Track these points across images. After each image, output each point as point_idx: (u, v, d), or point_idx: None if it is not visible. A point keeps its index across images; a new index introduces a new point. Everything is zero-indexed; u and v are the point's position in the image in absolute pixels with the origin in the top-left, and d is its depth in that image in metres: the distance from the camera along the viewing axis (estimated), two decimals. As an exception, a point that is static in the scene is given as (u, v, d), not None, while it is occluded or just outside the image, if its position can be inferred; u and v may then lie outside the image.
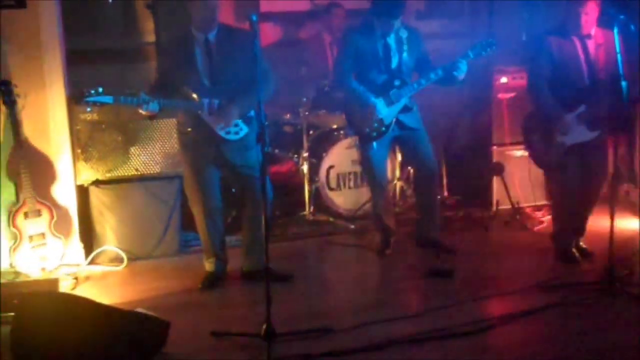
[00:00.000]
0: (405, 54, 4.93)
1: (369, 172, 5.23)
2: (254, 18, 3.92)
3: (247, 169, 4.60)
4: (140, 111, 4.34)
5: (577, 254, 4.99)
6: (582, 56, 4.75)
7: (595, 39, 4.76)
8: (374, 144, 5.01)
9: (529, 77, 4.97)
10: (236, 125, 4.52)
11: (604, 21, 4.66)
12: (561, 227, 5.07)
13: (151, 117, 4.50)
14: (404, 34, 4.93)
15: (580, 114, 4.72)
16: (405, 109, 4.96)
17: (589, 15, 4.68)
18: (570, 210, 4.98)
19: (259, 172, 4.16)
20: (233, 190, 5.31)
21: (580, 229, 5.07)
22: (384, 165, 5.33)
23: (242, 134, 4.55)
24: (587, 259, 4.99)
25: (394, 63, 4.93)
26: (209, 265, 4.82)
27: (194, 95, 4.43)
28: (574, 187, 4.90)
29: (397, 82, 4.91)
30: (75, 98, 4.28)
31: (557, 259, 5.02)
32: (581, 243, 5.10)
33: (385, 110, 4.90)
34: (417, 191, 5.42)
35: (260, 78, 3.91)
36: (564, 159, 4.82)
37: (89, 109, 4.24)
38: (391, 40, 4.90)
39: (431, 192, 5.28)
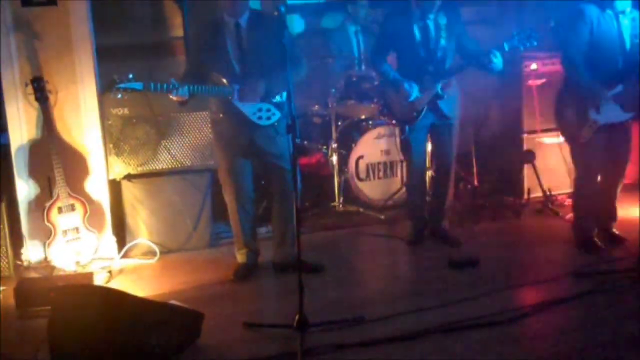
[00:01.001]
0: (443, 40, 4.89)
1: (408, 155, 5.26)
2: (282, 9, 3.94)
3: (277, 159, 4.60)
4: (171, 97, 4.35)
5: (599, 242, 4.90)
6: (618, 33, 4.66)
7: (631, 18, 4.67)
8: (408, 126, 5.07)
9: (566, 48, 4.75)
10: (268, 110, 4.51)
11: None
12: (582, 214, 4.99)
13: (182, 103, 4.46)
14: (442, 20, 4.89)
15: (617, 93, 4.63)
16: (438, 96, 4.95)
17: None
18: (592, 197, 4.91)
19: (289, 164, 4.16)
20: (262, 182, 5.33)
21: (610, 214, 5.02)
22: (423, 149, 5.29)
23: (274, 119, 4.53)
24: (619, 245, 4.93)
25: (431, 48, 4.90)
26: (240, 257, 4.85)
27: (224, 81, 4.43)
28: (597, 172, 4.87)
29: (430, 68, 4.90)
30: (107, 85, 4.29)
31: (578, 247, 4.95)
32: (614, 229, 5.04)
33: (417, 96, 4.92)
34: (433, 181, 5.50)
35: (290, 69, 3.91)
36: (595, 137, 4.73)
37: (119, 96, 4.23)
38: (430, 24, 4.87)
39: (442, 186, 5.30)
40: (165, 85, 4.28)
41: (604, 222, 5.04)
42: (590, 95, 4.66)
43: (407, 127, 5.07)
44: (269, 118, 4.53)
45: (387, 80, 5.07)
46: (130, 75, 4.22)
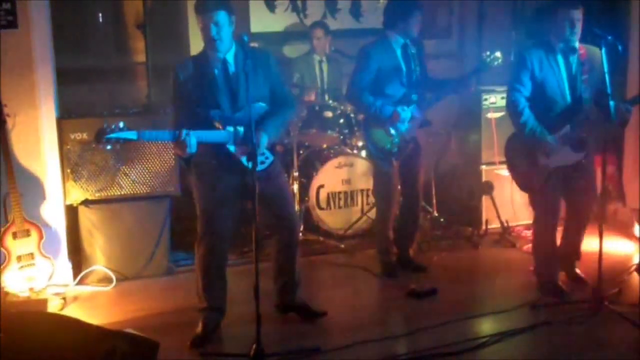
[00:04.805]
0: (418, 68, 5.03)
1: (386, 190, 5.14)
2: (246, 38, 3.90)
3: (279, 199, 4.27)
4: (178, 152, 3.93)
5: (563, 286, 4.74)
6: (565, 73, 4.60)
7: (580, 55, 4.61)
8: (393, 159, 5.02)
9: (509, 95, 4.70)
10: (262, 154, 4.09)
11: (590, 39, 4.51)
12: (543, 258, 4.81)
13: (186, 161, 4.01)
14: (413, 50, 5.02)
15: (564, 135, 4.55)
16: (424, 124, 5.04)
17: (576, 26, 4.50)
18: (552, 239, 4.76)
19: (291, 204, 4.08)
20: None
21: (575, 254, 4.89)
22: (397, 183, 5.22)
23: (268, 163, 4.16)
24: (581, 286, 4.75)
25: (413, 77, 5.00)
26: (202, 322, 4.22)
27: (217, 124, 4.02)
28: (557, 214, 4.73)
29: (414, 97, 4.95)
30: (96, 135, 3.77)
31: (541, 292, 4.75)
32: (577, 270, 4.89)
33: (406, 125, 4.95)
34: (402, 213, 5.38)
35: (283, 100, 3.87)
36: (548, 181, 4.63)
37: (109, 147, 3.77)
38: (410, 52, 4.98)
39: (413, 213, 5.35)
40: (162, 133, 3.91)
41: (568, 259, 4.91)
42: (537, 141, 4.58)
43: (392, 160, 4.99)
44: (263, 162, 4.11)
45: (375, 112, 4.89)
46: (121, 124, 3.73)
